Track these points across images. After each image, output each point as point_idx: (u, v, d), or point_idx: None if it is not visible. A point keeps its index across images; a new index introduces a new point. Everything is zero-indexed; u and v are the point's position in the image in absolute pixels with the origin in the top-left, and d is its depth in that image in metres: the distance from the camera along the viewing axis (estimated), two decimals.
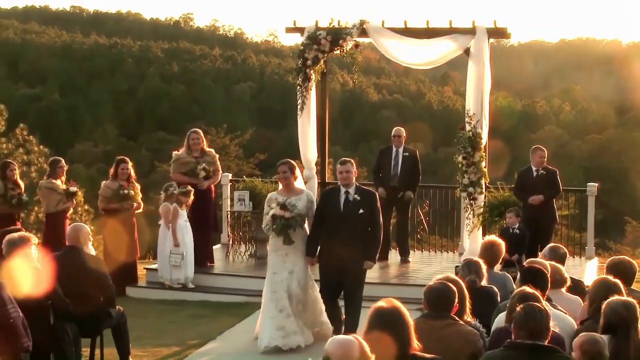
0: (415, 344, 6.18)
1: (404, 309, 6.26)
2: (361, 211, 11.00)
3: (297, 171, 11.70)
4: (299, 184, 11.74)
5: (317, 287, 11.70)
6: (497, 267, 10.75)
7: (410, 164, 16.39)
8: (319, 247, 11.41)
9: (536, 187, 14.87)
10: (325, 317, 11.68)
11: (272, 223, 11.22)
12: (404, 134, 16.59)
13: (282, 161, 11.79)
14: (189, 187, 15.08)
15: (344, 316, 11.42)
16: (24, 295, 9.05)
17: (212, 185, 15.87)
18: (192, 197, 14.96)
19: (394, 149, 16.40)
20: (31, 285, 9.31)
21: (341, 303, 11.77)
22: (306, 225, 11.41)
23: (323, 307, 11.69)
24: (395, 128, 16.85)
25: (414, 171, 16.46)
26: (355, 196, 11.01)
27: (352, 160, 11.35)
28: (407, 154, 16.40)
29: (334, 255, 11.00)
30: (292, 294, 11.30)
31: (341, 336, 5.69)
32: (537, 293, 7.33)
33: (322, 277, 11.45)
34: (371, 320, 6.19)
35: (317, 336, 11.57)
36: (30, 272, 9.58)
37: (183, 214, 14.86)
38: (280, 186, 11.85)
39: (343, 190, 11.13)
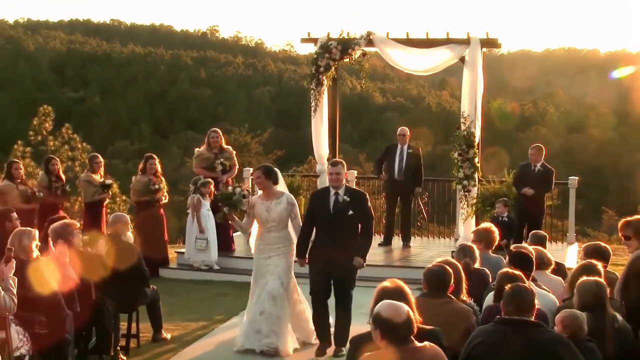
0: (417, 317, 6.22)
1: (406, 287, 6.29)
2: (350, 212, 9.96)
3: (278, 176, 10.57)
4: (280, 187, 10.68)
5: (301, 294, 10.69)
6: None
7: (414, 160, 16.43)
8: (311, 249, 10.31)
9: (532, 181, 15.00)
10: (308, 324, 10.54)
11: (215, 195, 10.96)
12: (408, 133, 16.61)
13: (257, 166, 10.92)
14: (209, 179, 15.11)
15: (332, 328, 10.19)
16: (69, 276, 9.10)
17: (231, 178, 15.83)
18: (212, 188, 14.97)
19: (399, 146, 16.42)
20: (75, 267, 9.34)
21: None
22: (290, 229, 10.48)
23: (307, 314, 10.58)
24: (401, 128, 16.87)
25: (417, 167, 16.49)
26: (345, 197, 9.97)
27: (343, 162, 10.37)
28: (411, 151, 16.44)
29: (324, 256, 9.91)
30: (275, 296, 10.17)
31: (391, 301, 5.74)
32: (521, 274, 7.35)
33: (312, 279, 10.16)
34: (378, 297, 6.22)
35: (299, 342, 10.42)
36: (74, 255, 9.63)
37: (206, 203, 14.86)
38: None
39: (333, 191, 10.08)
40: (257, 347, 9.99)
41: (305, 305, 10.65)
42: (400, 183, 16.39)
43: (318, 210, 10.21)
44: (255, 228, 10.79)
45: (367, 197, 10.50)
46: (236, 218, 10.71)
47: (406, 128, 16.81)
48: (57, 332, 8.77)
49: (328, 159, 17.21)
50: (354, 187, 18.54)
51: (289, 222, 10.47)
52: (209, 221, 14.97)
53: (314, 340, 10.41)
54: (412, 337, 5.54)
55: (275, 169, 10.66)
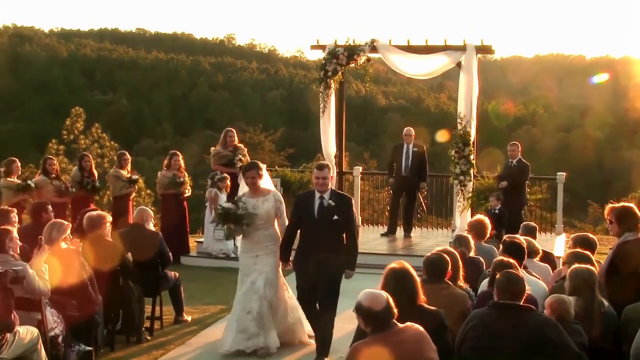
0: (422, 296, 6.28)
1: (411, 269, 6.33)
2: (335, 217, 8.87)
3: (264, 171, 9.73)
4: (266, 184, 9.68)
5: (290, 292, 9.77)
6: None
7: (419, 157, 16.42)
8: (294, 252, 9.35)
9: (509, 175, 15.43)
10: (296, 323, 9.76)
11: (218, 217, 9.52)
12: (413, 133, 16.59)
13: (249, 165, 9.83)
14: (225, 175, 15.12)
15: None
16: (98, 263, 9.15)
17: (228, 188, 15.81)
18: (228, 183, 14.98)
19: (405, 145, 16.42)
20: (105, 254, 9.37)
21: None
22: (277, 226, 9.52)
23: (296, 312, 9.77)
24: (406, 128, 16.85)
25: (422, 164, 16.46)
26: (330, 202, 8.87)
27: (329, 165, 9.40)
28: (416, 149, 16.41)
29: (309, 261, 8.92)
30: (263, 295, 9.28)
31: (372, 290, 5.80)
32: (514, 261, 7.37)
33: (298, 283, 9.21)
34: (386, 278, 6.28)
35: (285, 341, 9.59)
36: (104, 244, 9.67)
37: (223, 197, 14.86)
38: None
39: (318, 195, 8.98)
40: (246, 347, 9.20)
41: (295, 304, 9.71)
42: (406, 179, 16.37)
43: (302, 214, 9.11)
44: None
45: (352, 201, 9.39)
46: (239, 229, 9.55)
47: (412, 129, 16.80)
48: (87, 314, 8.84)
49: (335, 156, 17.27)
50: (359, 184, 18.63)
51: (276, 221, 9.56)
52: None
53: (306, 340, 9.73)
54: (393, 320, 5.57)
55: (260, 164, 9.77)
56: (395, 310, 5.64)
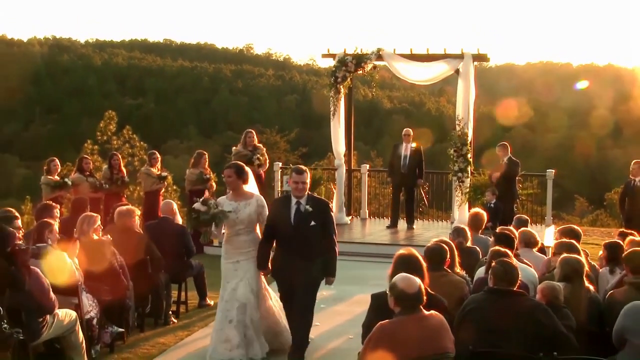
0: (427, 278, 6.29)
1: (419, 256, 6.34)
2: (313, 223, 7.95)
3: (249, 174, 8.61)
4: (250, 187, 8.61)
5: (273, 296, 8.84)
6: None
7: (417, 156, 16.37)
8: (274, 259, 8.43)
9: (501, 173, 15.28)
10: (281, 327, 8.75)
11: (190, 216, 8.48)
12: (411, 133, 16.53)
13: (228, 164, 8.78)
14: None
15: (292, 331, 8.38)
16: (128, 252, 9.19)
17: (263, 172, 15.81)
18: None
19: (404, 144, 16.37)
20: (134, 244, 9.40)
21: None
22: (259, 231, 8.49)
23: (279, 317, 8.78)
24: (405, 129, 16.83)
25: (419, 161, 16.41)
26: (307, 207, 7.96)
27: (307, 169, 8.29)
28: (414, 148, 16.38)
29: (287, 268, 8.06)
30: (245, 303, 8.30)
31: (408, 275, 5.83)
32: (508, 251, 7.38)
33: (280, 290, 8.40)
34: (396, 263, 6.28)
35: (275, 347, 8.65)
36: (133, 235, 9.71)
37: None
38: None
39: (294, 200, 8.04)
40: (230, 357, 8.22)
41: (279, 310, 8.78)
42: (405, 175, 16.32)
43: (279, 220, 8.12)
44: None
45: (330, 205, 8.48)
46: (213, 231, 8.55)
47: (410, 129, 16.76)
48: (119, 299, 8.89)
49: (344, 154, 17.27)
50: (366, 180, 18.61)
51: (257, 226, 8.52)
52: None
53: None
54: (421, 306, 5.57)
55: (247, 168, 8.71)
56: (425, 298, 5.67)
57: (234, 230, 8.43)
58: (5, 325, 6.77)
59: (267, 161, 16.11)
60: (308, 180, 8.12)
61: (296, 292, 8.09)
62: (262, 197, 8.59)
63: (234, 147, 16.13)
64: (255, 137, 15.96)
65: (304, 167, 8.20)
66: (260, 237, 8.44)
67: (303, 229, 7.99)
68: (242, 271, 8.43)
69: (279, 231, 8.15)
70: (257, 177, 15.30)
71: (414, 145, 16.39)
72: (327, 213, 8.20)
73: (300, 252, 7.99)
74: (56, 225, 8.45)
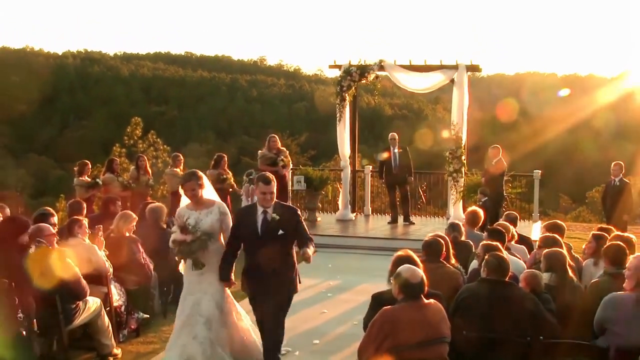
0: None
1: (415, 256, 6.35)
2: (281, 232, 6.83)
3: (205, 180, 7.35)
4: (208, 194, 7.42)
5: (240, 309, 7.63)
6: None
7: (404, 156, 16.35)
8: (243, 271, 7.21)
9: (490, 173, 15.21)
10: (249, 342, 7.54)
11: (176, 249, 7.10)
12: (397, 137, 16.46)
13: (187, 176, 7.31)
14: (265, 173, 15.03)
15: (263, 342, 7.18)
16: (155, 244, 9.25)
17: (287, 172, 15.81)
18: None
19: (392, 148, 16.33)
20: (159, 238, 9.42)
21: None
22: (223, 240, 7.32)
23: (247, 332, 7.57)
24: (391, 133, 16.78)
25: (407, 161, 16.37)
26: (274, 215, 6.85)
27: (274, 178, 7.01)
28: (401, 150, 16.36)
29: (257, 282, 6.96)
30: (210, 318, 7.18)
31: (411, 265, 5.87)
32: (499, 244, 7.38)
33: (251, 304, 7.23)
34: (394, 263, 6.28)
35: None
36: (159, 230, 9.76)
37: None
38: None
39: (261, 209, 6.91)
40: None
41: (247, 323, 7.63)
42: (396, 176, 16.28)
43: (244, 231, 7.01)
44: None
45: (299, 212, 7.20)
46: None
47: (395, 133, 16.72)
48: (144, 288, 8.95)
49: (350, 157, 17.27)
50: (369, 180, 18.57)
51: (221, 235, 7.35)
52: None
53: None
54: (422, 295, 5.58)
55: (200, 172, 7.39)
56: (427, 288, 5.67)
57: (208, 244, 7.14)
58: (21, 315, 6.82)
59: (290, 163, 16.12)
60: (275, 190, 6.94)
61: (268, 308, 6.99)
62: (224, 205, 7.42)
63: (260, 151, 16.06)
64: (278, 141, 15.91)
65: (271, 176, 6.98)
66: (225, 247, 7.26)
67: (271, 239, 6.83)
68: (206, 283, 7.24)
69: (247, 243, 7.03)
70: (281, 178, 15.36)
71: (400, 150, 16.37)
72: (296, 220, 6.98)
73: (269, 263, 6.84)
74: (85, 221, 8.54)
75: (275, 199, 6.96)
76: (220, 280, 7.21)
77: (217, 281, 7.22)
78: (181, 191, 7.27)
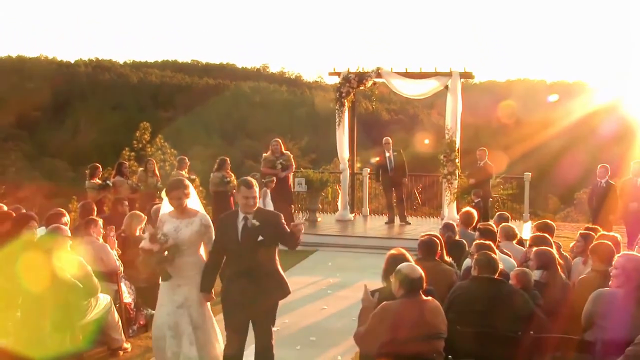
0: None
1: (407, 254, 6.34)
2: (261, 238, 6.29)
3: (191, 189, 6.79)
4: (193, 203, 6.79)
5: (219, 333, 6.88)
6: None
7: (399, 159, 16.35)
8: (222, 283, 6.77)
9: (478, 174, 15.41)
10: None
11: (141, 258, 6.54)
12: (390, 141, 16.47)
13: (174, 184, 6.76)
14: (272, 178, 15.08)
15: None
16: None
17: (289, 175, 15.81)
18: (273, 184, 14.89)
19: (386, 152, 16.33)
20: None
21: None
22: (202, 252, 6.77)
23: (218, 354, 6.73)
24: (385, 138, 16.78)
25: (402, 163, 16.36)
26: (254, 222, 6.31)
27: (255, 181, 6.52)
28: (395, 153, 16.36)
29: (238, 292, 6.37)
30: (182, 333, 6.53)
31: (411, 263, 5.89)
32: (490, 243, 7.39)
33: (227, 317, 6.55)
34: (388, 262, 6.28)
35: None
36: None
37: (268, 192, 14.88)
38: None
39: (242, 215, 6.40)
40: None
41: (219, 349, 6.78)
42: (392, 177, 16.27)
43: (225, 239, 6.48)
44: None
45: (281, 217, 6.57)
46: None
47: (389, 138, 16.71)
48: (152, 286, 8.92)
49: (348, 160, 17.26)
50: (367, 182, 18.56)
51: (201, 248, 6.77)
52: (268, 206, 14.90)
53: None
54: (421, 291, 5.59)
55: (187, 182, 6.83)
56: (425, 285, 5.67)
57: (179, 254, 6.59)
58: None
59: (294, 166, 16.12)
60: (258, 194, 6.49)
61: (253, 324, 6.47)
62: (207, 216, 6.80)
63: (264, 154, 16.13)
64: (280, 145, 15.97)
65: (253, 181, 6.48)
66: (205, 259, 6.74)
67: (251, 246, 6.31)
68: (180, 297, 6.60)
69: (228, 251, 6.49)
70: (283, 180, 15.36)
71: (395, 152, 16.37)
72: (277, 226, 6.43)
73: (252, 272, 6.35)
74: (100, 222, 8.58)
75: (258, 205, 6.46)
76: (201, 291, 6.62)
77: (194, 296, 6.61)
78: (165, 198, 6.78)
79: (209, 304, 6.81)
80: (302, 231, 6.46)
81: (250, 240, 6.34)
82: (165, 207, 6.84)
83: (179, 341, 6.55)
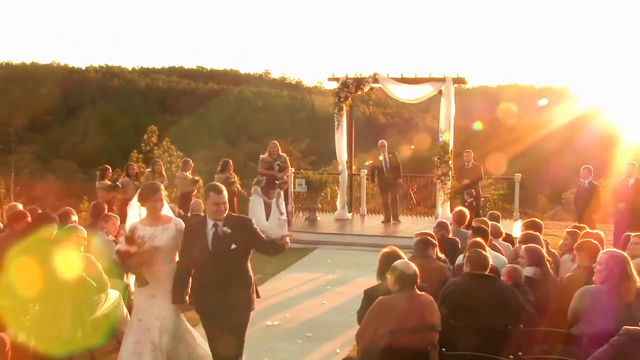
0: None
1: (400, 251, 6.34)
2: (233, 246, 5.72)
3: (164, 195, 6.25)
4: (166, 210, 6.25)
5: (196, 335, 6.38)
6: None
7: (394, 160, 16.34)
8: (193, 294, 6.05)
9: (468, 175, 15.57)
10: None
11: (119, 261, 6.11)
12: (386, 144, 16.50)
13: (154, 188, 6.20)
14: (285, 179, 15.16)
15: None
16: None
17: (284, 175, 15.82)
18: (287, 185, 14.96)
19: (382, 154, 16.33)
20: None
21: None
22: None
23: (202, 357, 6.27)
24: (380, 141, 16.79)
25: (397, 165, 16.34)
26: (225, 229, 5.73)
27: (224, 187, 5.89)
28: (390, 155, 16.36)
29: (211, 303, 5.79)
30: (159, 347, 6.04)
31: (405, 260, 5.87)
32: (482, 241, 7.39)
33: (205, 328, 6.00)
34: (382, 259, 6.28)
35: None
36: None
37: (281, 193, 14.86)
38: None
39: (211, 223, 5.80)
40: None
41: (203, 350, 6.28)
42: (387, 178, 16.25)
43: (194, 247, 5.83)
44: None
45: (252, 222, 6.02)
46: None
47: (384, 140, 16.75)
48: None
49: (347, 161, 17.25)
50: (364, 183, 18.54)
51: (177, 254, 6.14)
52: (282, 206, 14.88)
53: None
54: (415, 286, 5.59)
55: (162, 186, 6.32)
56: (419, 281, 5.68)
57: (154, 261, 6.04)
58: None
59: (289, 167, 16.14)
60: (227, 200, 5.88)
61: (225, 332, 5.83)
62: (181, 222, 6.25)
63: (261, 155, 16.21)
64: (278, 147, 16.07)
65: (221, 186, 5.87)
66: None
67: (223, 255, 5.74)
68: (157, 308, 6.06)
69: (197, 260, 5.84)
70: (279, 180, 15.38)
71: (390, 154, 16.36)
72: (250, 232, 5.88)
73: (224, 282, 5.76)
74: (117, 219, 8.66)
75: (228, 211, 5.87)
76: (173, 304, 6.05)
77: (169, 306, 6.06)
78: (137, 204, 6.18)
79: (183, 315, 6.28)
80: (289, 244, 6.00)
81: (222, 249, 5.74)
82: (134, 214, 6.23)
83: (158, 354, 6.03)
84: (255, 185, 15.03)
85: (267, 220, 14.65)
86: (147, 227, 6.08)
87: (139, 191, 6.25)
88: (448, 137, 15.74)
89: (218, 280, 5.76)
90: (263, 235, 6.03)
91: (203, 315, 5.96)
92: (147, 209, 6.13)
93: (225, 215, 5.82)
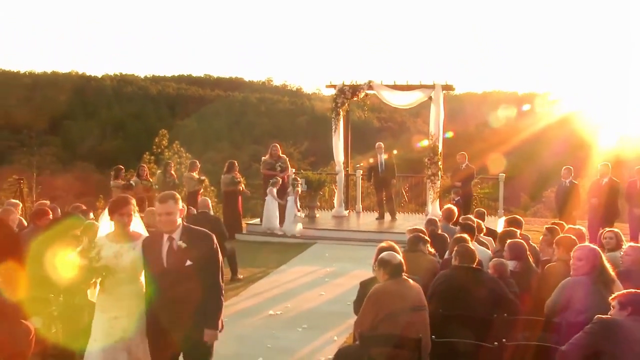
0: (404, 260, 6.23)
1: (396, 246, 6.34)
2: (189, 262, 4.72)
3: (134, 208, 5.16)
4: (136, 227, 5.18)
5: None
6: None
7: (389, 162, 16.29)
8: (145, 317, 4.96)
9: (462, 175, 15.36)
10: None
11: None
12: (382, 145, 16.48)
13: (120, 200, 5.20)
14: (297, 179, 15.19)
15: None
16: None
17: (285, 175, 15.81)
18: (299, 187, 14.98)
19: (378, 155, 16.30)
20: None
21: None
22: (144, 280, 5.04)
23: None
24: (377, 143, 16.80)
25: (392, 166, 16.30)
26: (180, 243, 4.76)
27: (175, 195, 4.95)
28: (386, 156, 16.31)
29: (165, 326, 4.74)
30: None
31: (391, 251, 5.84)
32: (467, 237, 7.39)
33: (153, 355, 4.90)
34: (378, 253, 6.28)
35: None
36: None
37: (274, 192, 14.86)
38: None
39: (166, 236, 4.82)
40: None
41: None
42: (382, 178, 16.19)
43: (149, 263, 4.88)
44: None
45: (213, 238, 4.90)
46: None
47: (381, 143, 16.78)
48: None
49: (343, 162, 17.25)
50: (360, 182, 18.54)
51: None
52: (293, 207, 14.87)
53: None
54: (402, 274, 5.59)
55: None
56: (405, 268, 5.68)
57: (114, 278, 4.98)
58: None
59: (289, 169, 16.14)
60: (177, 210, 4.91)
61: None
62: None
63: (263, 157, 16.20)
64: (278, 149, 16.06)
65: (169, 194, 4.96)
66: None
67: (178, 272, 4.75)
68: (119, 331, 4.97)
69: (152, 277, 4.88)
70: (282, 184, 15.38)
71: (385, 156, 16.32)
72: (207, 248, 4.85)
73: (179, 303, 4.74)
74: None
75: (182, 222, 4.95)
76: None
77: (133, 328, 4.99)
78: (105, 218, 5.25)
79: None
80: (216, 337, 4.85)
81: (177, 265, 4.78)
82: (103, 228, 5.26)
83: None
84: (271, 187, 14.97)
85: (279, 219, 14.78)
86: (112, 245, 5.06)
87: (109, 203, 5.29)
88: (429, 143, 15.85)
89: (172, 302, 4.77)
90: (219, 266, 4.90)
91: (154, 339, 4.89)
92: (114, 223, 5.10)
93: (175, 227, 4.86)
